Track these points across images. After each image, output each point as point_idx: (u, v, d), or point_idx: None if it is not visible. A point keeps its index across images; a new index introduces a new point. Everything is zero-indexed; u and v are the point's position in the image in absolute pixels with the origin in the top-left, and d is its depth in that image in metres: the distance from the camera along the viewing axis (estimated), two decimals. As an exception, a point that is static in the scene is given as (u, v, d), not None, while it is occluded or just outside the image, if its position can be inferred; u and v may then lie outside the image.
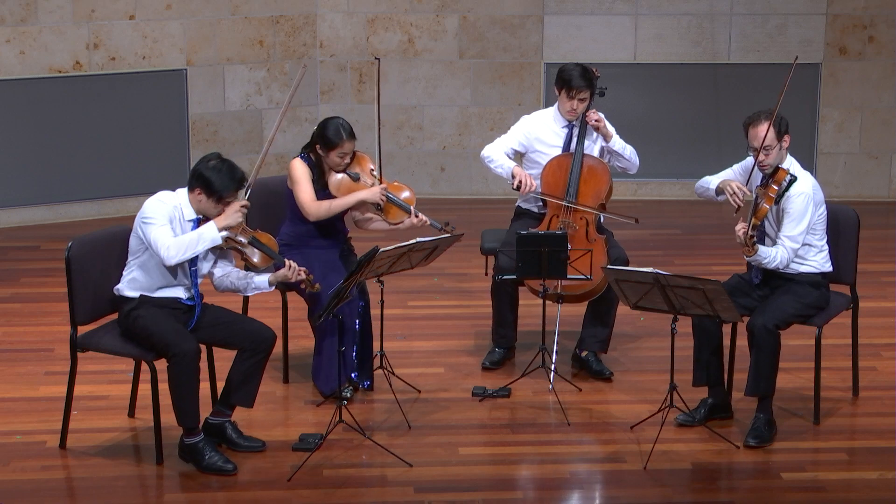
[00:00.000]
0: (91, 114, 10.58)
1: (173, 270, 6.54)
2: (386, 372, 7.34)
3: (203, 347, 6.60)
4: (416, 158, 11.36)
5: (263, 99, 11.10)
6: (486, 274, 7.97)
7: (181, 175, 6.60)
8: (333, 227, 7.37)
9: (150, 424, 6.67)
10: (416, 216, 7.30)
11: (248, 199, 6.65)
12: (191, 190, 6.53)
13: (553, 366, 7.41)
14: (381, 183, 7.30)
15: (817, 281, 6.94)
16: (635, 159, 7.76)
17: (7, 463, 6.59)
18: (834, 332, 7.56)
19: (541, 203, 7.71)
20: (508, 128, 7.92)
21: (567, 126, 7.70)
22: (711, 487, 6.51)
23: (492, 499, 6.30)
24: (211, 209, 6.51)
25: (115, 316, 6.69)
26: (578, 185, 7.58)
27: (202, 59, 10.83)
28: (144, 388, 6.79)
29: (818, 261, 6.95)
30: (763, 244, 6.88)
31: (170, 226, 6.46)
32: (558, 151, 7.68)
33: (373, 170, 7.34)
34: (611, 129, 7.69)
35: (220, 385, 6.80)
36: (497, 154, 7.68)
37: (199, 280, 6.61)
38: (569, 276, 7.20)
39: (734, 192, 6.91)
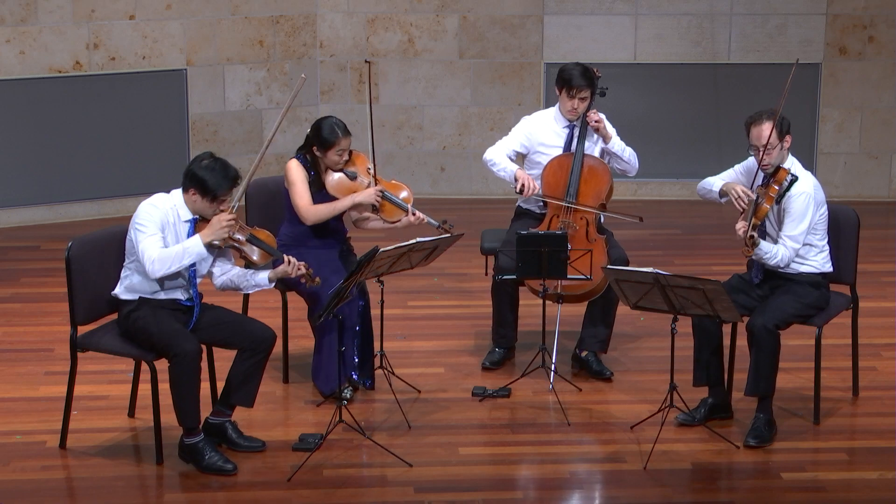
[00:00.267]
0: (91, 114, 10.58)
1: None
2: (386, 372, 7.34)
3: (203, 347, 6.60)
4: (416, 158, 11.36)
5: (263, 99, 11.10)
6: (486, 274, 7.97)
7: (181, 175, 6.58)
8: (332, 228, 7.37)
9: (150, 424, 6.67)
10: (414, 214, 7.30)
11: (244, 201, 6.64)
12: (185, 191, 6.52)
13: (553, 366, 7.41)
14: (376, 183, 7.31)
15: (817, 281, 6.94)
16: (634, 161, 7.75)
17: (7, 463, 6.59)
18: (834, 332, 7.56)
19: (541, 203, 7.70)
20: (509, 128, 7.93)
21: (568, 126, 7.70)
22: (711, 487, 6.51)
23: (492, 499, 6.30)
24: (206, 209, 6.50)
25: (115, 316, 6.69)
26: (579, 185, 7.58)
27: (202, 59, 10.83)
28: (144, 388, 6.79)
29: (819, 261, 6.95)
30: (763, 244, 6.88)
31: (160, 234, 6.44)
32: (559, 151, 7.68)
33: (369, 168, 7.34)
34: (611, 130, 7.68)
35: (220, 385, 6.80)
36: (499, 157, 7.68)
37: (199, 280, 6.61)
38: (569, 276, 7.20)
39: (739, 196, 6.90)
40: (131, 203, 10.52)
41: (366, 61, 7.73)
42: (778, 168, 6.86)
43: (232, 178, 6.49)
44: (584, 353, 7.66)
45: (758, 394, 6.78)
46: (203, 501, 6.31)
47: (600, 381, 7.56)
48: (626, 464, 6.61)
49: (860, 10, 11.08)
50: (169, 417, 6.52)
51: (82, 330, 6.69)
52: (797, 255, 6.87)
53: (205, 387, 6.68)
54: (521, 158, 7.84)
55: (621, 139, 7.74)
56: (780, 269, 6.89)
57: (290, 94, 11.08)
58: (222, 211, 6.52)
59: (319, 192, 7.27)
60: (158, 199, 6.54)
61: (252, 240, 6.61)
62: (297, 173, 7.24)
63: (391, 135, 11.21)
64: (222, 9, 10.82)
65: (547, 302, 7.28)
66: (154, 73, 10.71)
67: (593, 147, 7.70)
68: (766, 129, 6.79)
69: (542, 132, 7.74)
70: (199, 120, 10.92)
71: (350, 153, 7.30)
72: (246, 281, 6.67)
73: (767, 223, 6.92)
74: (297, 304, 7.53)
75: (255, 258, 6.62)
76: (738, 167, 7.16)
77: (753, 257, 6.81)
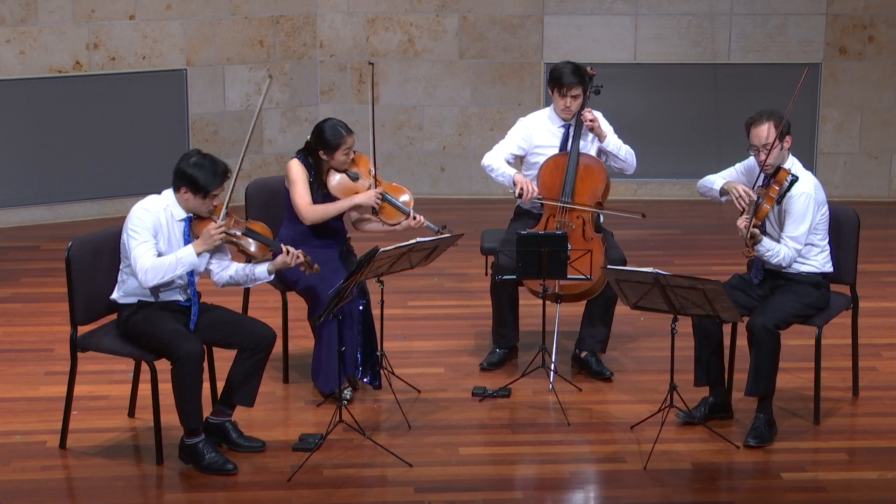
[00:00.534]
0: (91, 114, 10.58)
1: None
2: (386, 372, 7.34)
3: (203, 348, 6.60)
4: (416, 158, 11.36)
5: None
6: (486, 274, 7.96)
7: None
8: (332, 228, 7.37)
9: (150, 424, 6.67)
10: (414, 218, 7.30)
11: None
12: (176, 190, 6.52)
13: (553, 366, 7.40)
14: (378, 185, 7.31)
15: (818, 281, 6.94)
16: (631, 159, 7.74)
17: (7, 463, 6.59)
18: (834, 332, 7.55)
19: (539, 203, 7.70)
20: (508, 128, 7.92)
21: (563, 126, 7.70)
22: (711, 487, 6.51)
23: (492, 499, 6.30)
24: (200, 206, 6.50)
25: (115, 316, 6.69)
26: (575, 184, 7.58)
27: (202, 59, 10.83)
28: (144, 388, 6.78)
29: (819, 260, 6.95)
30: (764, 244, 6.88)
31: (153, 241, 6.42)
32: (556, 151, 7.68)
33: (371, 170, 7.34)
34: (606, 129, 7.67)
35: (220, 385, 6.80)
36: (498, 162, 7.68)
37: (196, 279, 6.60)
38: (569, 277, 7.20)
39: (740, 196, 6.89)
40: (131, 203, 10.37)
41: (369, 63, 7.72)
42: (778, 168, 6.86)
43: (222, 172, 6.49)
44: (583, 354, 7.65)
45: (758, 394, 6.78)
46: (203, 501, 6.31)
47: (600, 381, 7.56)
48: (626, 464, 6.61)
49: (860, 10, 11.08)
50: (169, 417, 6.52)
51: (82, 330, 6.69)
52: (799, 255, 6.87)
53: (205, 387, 6.67)
54: (520, 160, 7.84)
55: (621, 139, 7.74)
56: (782, 269, 6.89)
57: (289, 93, 11.10)
58: (215, 207, 6.52)
59: (321, 193, 7.27)
60: (150, 201, 6.52)
61: (249, 233, 6.60)
62: (297, 172, 7.24)
63: (391, 135, 11.21)
64: (222, 9, 10.82)
65: (546, 301, 7.28)
66: (154, 73, 10.71)
67: (590, 145, 7.69)
68: (765, 129, 6.79)
69: (538, 133, 7.74)
70: (199, 120, 10.92)
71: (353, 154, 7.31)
72: (246, 275, 6.66)
73: (768, 224, 6.92)
74: (297, 304, 7.53)
75: (252, 250, 6.62)
76: (738, 166, 7.16)
77: (755, 255, 6.81)
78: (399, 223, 7.34)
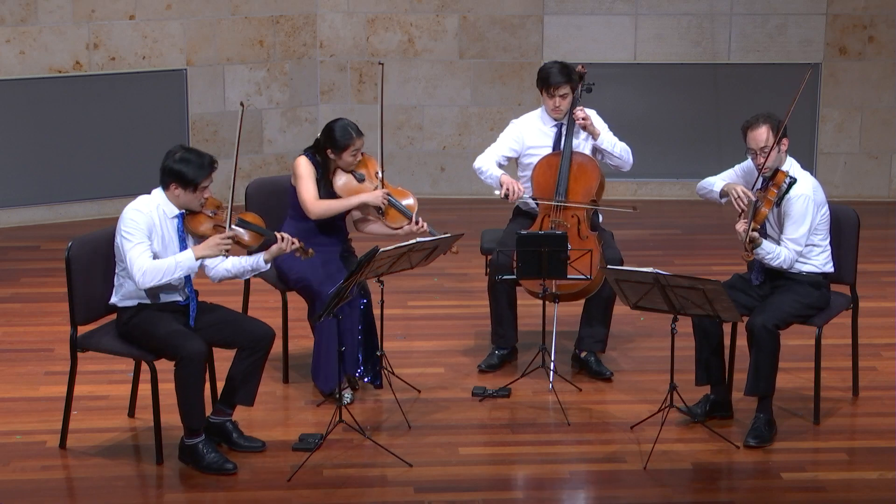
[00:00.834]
0: (91, 114, 10.58)
1: None
2: (386, 372, 7.34)
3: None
4: (416, 158, 11.36)
5: (263, 99, 11.10)
6: (486, 274, 7.96)
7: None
8: (335, 226, 7.38)
9: (150, 424, 6.67)
10: (417, 223, 7.31)
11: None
12: (165, 187, 6.52)
13: (553, 366, 7.40)
14: (384, 187, 7.32)
15: (818, 281, 6.94)
16: (627, 157, 7.73)
17: (7, 463, 6.59)
18: (834, 332, 7.56)
19: (535, 203, 7.70)
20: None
21: (555, 125, 7.69)
22: (711, 487, 6.51)
23: (492, 499, 6.30)
24: (191, 201, 6.49)
25: (115, 316, 6.68)
26: (568, 183, 7.57)
27: (202, 59, 10.83)
28: (144, 388, 6.79)
29: (820, 260, 6.95)
30: (764, 245, 6.88)
31: (147, 242, 6.41)
32: (549, 151, 7.67)
33: (377, 173, 7.35)
34: (599, 127, 7.65)
35: (220, 385, 6.80)
36: (487, 164, 7.70)
37: (192, 275, 6.58)
38: (569, 277, 7.19)
39: (739, 196, 6.89)
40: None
41: (379, 63, 7.71)
42: (776, 170, 6.85)
43: (208, 164, 6.50)
44: (583, 354, 7.65)
45: (758, 394, 6.78)
46: (203, 501, 6.31)
47: (600, 381, 7.56)
48: (626, 464, 6.61)
49: (860, 10, 11.08)
50: (168, 417, 6.52)
51: (82, 330, 6.69)
52: (800, 256, 6.87)
53: (205, 387, 6.67)
54: (514, 163, 7.84)
55: (621, 139, 7.73)
56: (782, 269, 6.89)
57: (289, 93, 11.10)
58: (206, 199, 6.52)
59: (326, 192, 7.28)
60: (142, 202, 6.51)
61: (241, 223, 6.60)
62: (305, 168, 7.26)
63: (391, 135, 11.21)
64: (222, 9, 10.82)
65: (545, 301, 7.28)
66: (154, 73, 10.71)
67: (584, 144, 7.68)
68: (762, 132, 6.79)
69: (530, 134, 7.74)
70: (199, 120, 10.92)
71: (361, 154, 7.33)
72: (241, 267, 6.65)
73: (768, 226, 6.92)
74: (297, 304, 7.53)
75: (247, 240, 6.61)
76: (737, 168, 7.16)
77: (755, 258, 6.81)
78: (401, 227, 7.36)
